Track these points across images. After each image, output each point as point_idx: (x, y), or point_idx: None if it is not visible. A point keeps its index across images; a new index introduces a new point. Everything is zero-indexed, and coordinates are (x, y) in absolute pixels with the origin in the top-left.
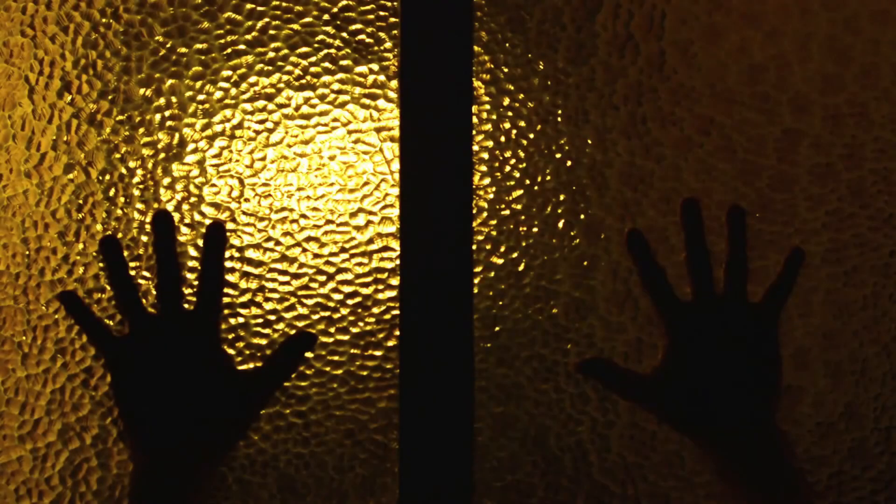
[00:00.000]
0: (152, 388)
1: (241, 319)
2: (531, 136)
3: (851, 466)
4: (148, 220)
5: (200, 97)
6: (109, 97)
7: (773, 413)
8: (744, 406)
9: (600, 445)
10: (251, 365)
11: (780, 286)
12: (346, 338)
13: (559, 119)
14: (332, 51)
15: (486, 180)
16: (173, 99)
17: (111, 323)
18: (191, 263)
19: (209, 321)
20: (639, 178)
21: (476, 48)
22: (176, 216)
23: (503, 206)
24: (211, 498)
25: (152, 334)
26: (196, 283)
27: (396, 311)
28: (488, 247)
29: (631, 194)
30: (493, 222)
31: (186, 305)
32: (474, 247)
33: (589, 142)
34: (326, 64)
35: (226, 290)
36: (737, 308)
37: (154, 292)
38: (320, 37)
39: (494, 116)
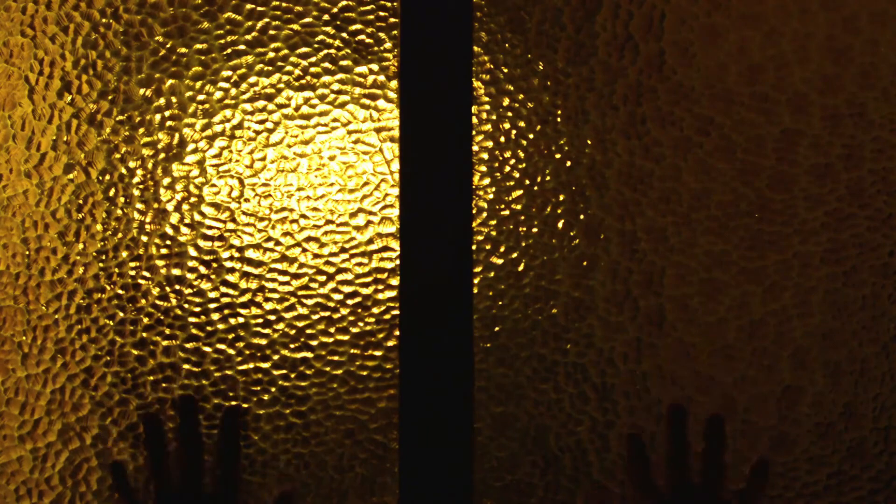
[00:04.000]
0: None
1: (241, 319)
2: (531, 136)
3: (851, 466)
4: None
5: (200, 97)
6: (109, 97)
7: None
8: None
9: (600, 445)
10: (251, 365)
11: (749, 496)
12: (346, 338)
13: (559, 119)
14: (332, 51)
15: (486, 180)
16: (173, 99)
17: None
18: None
19: (228, 500)
20: (638, 178)
21: (476, 48)
22: (176, 217)
23: (503, 206)
24: None
25: None
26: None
27: (396, 311)
28: (488, 247)
29: (630, 194)
30: (493, 222)
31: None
32: (474, 247)
33: (588, 142)
34: (326, 64)
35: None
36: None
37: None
38: (320, 37)
39: (494, 116)
